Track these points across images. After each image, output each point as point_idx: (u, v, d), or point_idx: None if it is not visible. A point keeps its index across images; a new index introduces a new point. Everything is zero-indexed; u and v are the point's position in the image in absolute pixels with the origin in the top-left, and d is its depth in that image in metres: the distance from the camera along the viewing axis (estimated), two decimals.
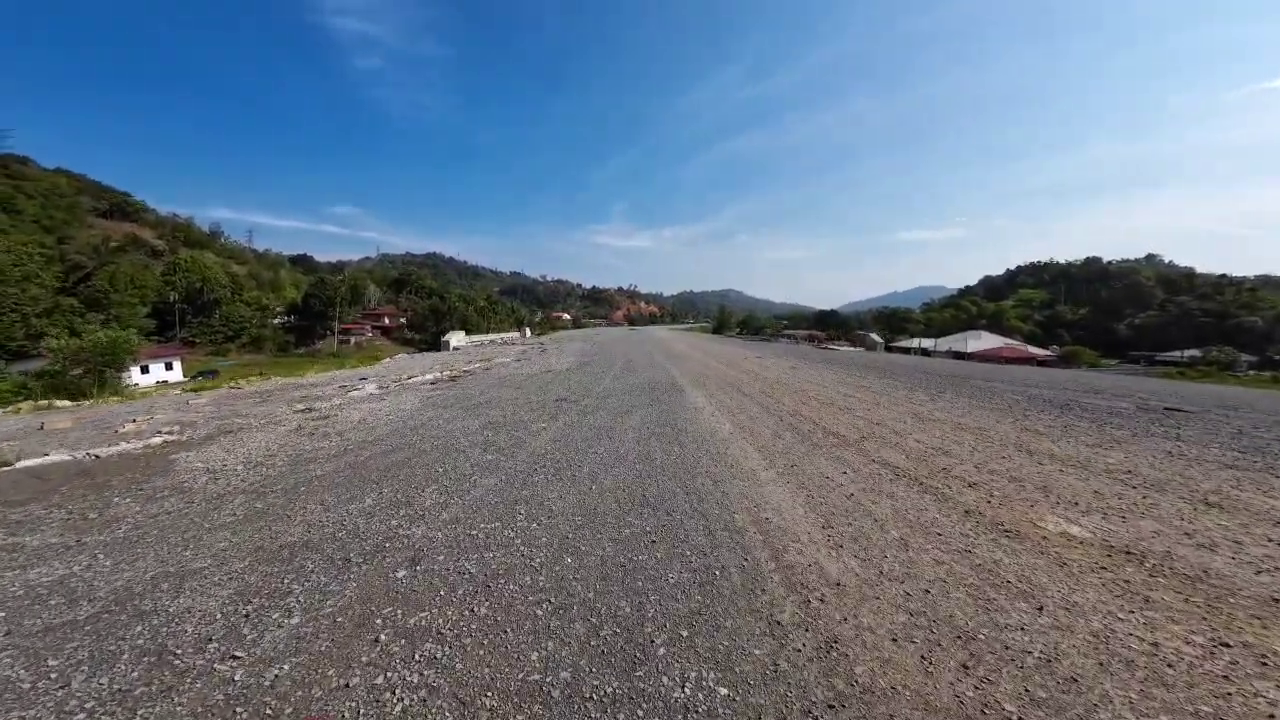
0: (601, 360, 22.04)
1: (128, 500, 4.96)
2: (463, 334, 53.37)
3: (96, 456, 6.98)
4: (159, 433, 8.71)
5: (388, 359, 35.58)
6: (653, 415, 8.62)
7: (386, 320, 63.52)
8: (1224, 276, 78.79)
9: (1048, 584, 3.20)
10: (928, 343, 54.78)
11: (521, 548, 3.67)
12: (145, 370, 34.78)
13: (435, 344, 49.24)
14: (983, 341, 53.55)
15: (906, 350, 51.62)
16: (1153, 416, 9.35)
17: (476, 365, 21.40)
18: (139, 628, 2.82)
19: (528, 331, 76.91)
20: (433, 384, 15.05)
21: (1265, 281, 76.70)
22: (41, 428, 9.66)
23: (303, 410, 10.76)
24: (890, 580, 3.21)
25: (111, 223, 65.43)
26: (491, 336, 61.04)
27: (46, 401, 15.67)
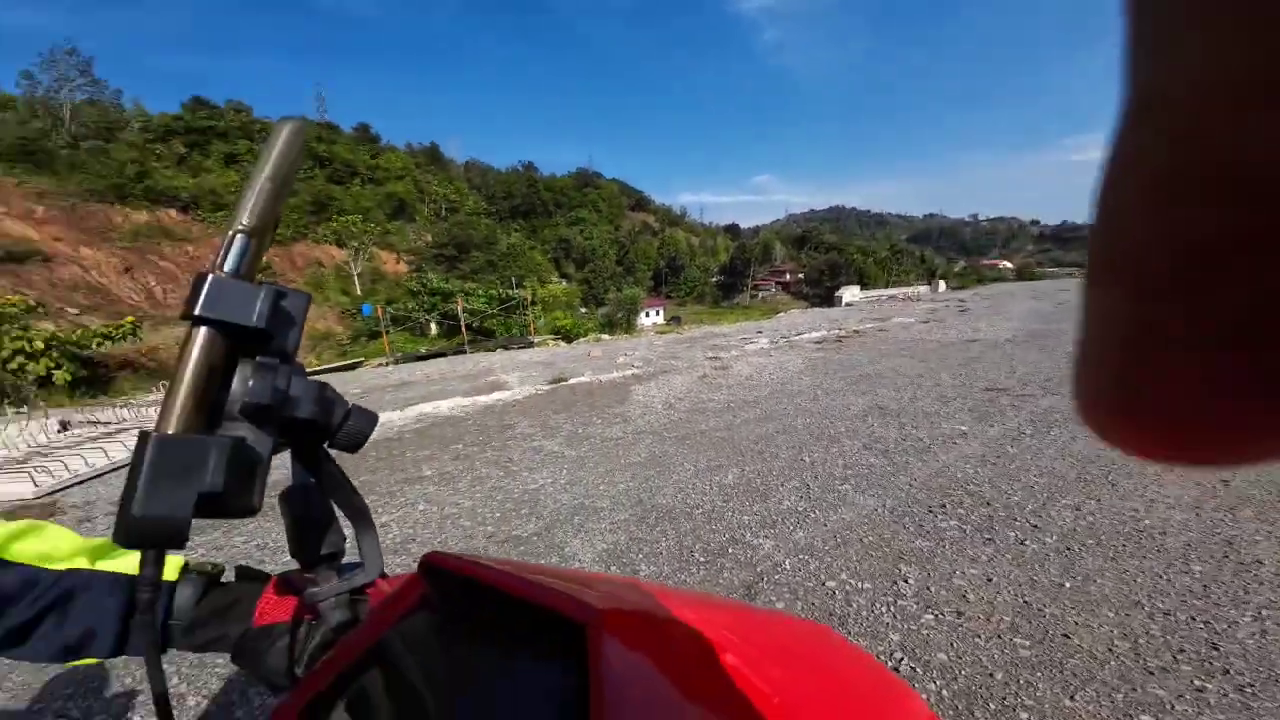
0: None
1: (615, 408, 7.17)
2: (857, 289, 49.87)
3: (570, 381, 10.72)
4: (633, 366, 12.49)
5: (782, 314, 38.17)
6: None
7: (787, 276, 68.17)
8: None
9: None
10: None
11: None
12: (646, 315, 52.93)
13: (828, 299, 48.60)
14: None
15: None
16: None
17: (869, 325, 19.17)
18: None
19: (941, 285, 62.83)
20: (817, 344, 14.55)
21: None
22: (590, 355, 16.03)
23: (711, 358, 12.79)
24: None
25: (636, 214, 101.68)
26: (892, 291, 53.94)
27: (600, 335, 26.57)
